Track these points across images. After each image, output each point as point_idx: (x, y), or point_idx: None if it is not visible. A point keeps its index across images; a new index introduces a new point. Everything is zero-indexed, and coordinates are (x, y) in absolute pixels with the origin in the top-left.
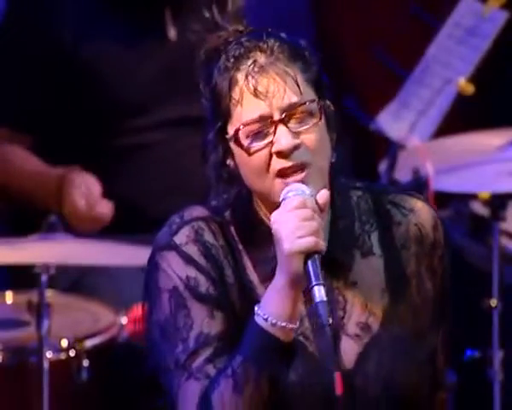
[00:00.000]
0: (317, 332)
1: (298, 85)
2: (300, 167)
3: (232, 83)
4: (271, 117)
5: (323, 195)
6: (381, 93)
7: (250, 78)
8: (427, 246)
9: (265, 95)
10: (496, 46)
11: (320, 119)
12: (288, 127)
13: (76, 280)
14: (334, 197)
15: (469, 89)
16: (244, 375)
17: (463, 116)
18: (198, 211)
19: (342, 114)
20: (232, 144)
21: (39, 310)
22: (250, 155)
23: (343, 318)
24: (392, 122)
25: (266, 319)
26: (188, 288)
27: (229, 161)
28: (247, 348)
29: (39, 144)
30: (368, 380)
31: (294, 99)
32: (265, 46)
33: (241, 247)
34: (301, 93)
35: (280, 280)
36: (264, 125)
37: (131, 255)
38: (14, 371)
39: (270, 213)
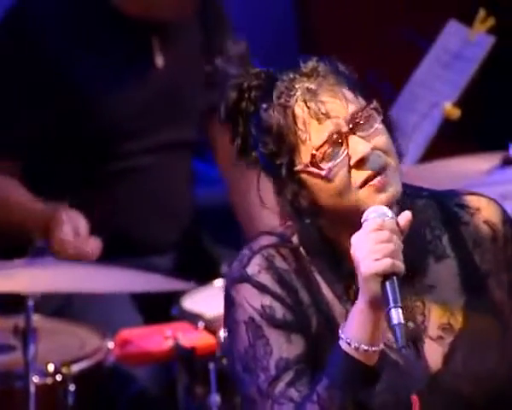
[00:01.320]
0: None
1: (353, 95)
2: (380, 172)
3: (294, 117)
4: (340, 132)
5: (405, 216)
6: None
7: (308, 106)
8: (500, 241)
9: (328, 116)
10: (482, 70)
11: (381, 119)
12: (358, 135)
13: (62, 305)
14: (401, 206)
15: (455, 113)
16: (329, 400)
17: (450, 140)
18: (265, 239)
19: None
20: (306, 175)
21: (25, 335)
22: (329, 178)
23: (423, 322)
24: None
25: (349, 343)
26: (264, 317)
27: (300, 196)
28: (332, 372)
29: (28, 170)
30: (458, 379)
31: (353, 108)
32: (307, 70)
33: (313, 268)
34: (358, 100)
35: (360, 303)
36: (335, 143)
37: (119, 281)
38: (0, 396)
39: (347, 232)
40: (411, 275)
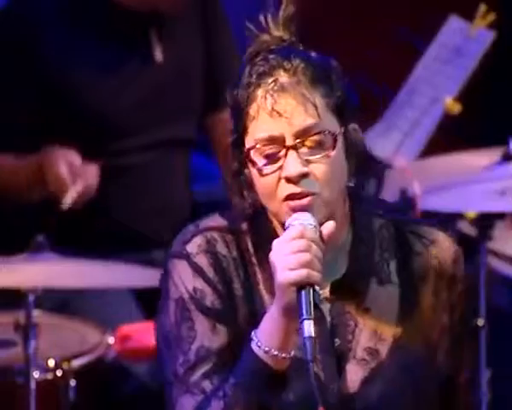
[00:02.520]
0: (323, 353)
1: (316, 111)
2: (306, 195)
3: (251, 98)
4: (284, 141)
5: (328, 226)
6: (368, 114)
7: (268, 96)
8: (446, 280)
9: (280, 116)
10: (482, 65)
11: (333, 149)
12: (298, 154)
13: (63, 300)
14: (355, 222)
15: (456, 108)
16: (234, 398)
17: (450, 135)
18: (214, 221)
19: None
20: (247, 159)
21: (26, 330)
22: (261, 175)
23: (351, 341)
24: (378, 142)
25: (259, 346)
26: (193, 300)
27: (246, 171)
28: (240, 372)
29: None
30: (369, 407)
31: (309, 123)
32: (289, 66)
33: (254, 260)
34: (319, 118)
35: (274, 310)
36: (277, 147)
37: (119, 276)
38: (1, 392)
39: (282, 229)
40: (350, 292)
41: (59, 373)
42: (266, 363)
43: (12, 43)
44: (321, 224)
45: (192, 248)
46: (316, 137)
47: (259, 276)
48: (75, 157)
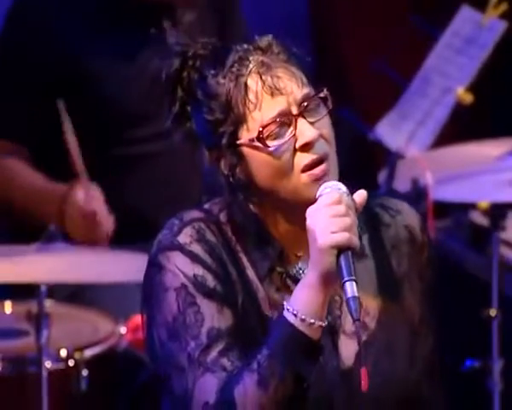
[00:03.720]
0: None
1: (304, 79)
2: (322, 160)
3: (246, 88)
4: (290, 112)
5: (362, 194)
6: (380, 103)
7: (263, 79)
8: (417, 247)
9: (281, 91)
10: (495, 55)
11: (327, 109)
12: (306, 120)
13: (75, 290)
14: None
15: (468, 98)
16: (269, 369)
17: (462, 125)
18: (195, 213)
19: (340, 124)
20: (249, 149)
21: (38, 320)
22: (276, 155)
23: (340, 316)
24: (390, 132)
25: (295, 315)
26: (196, 285)
27: (238, 169)
28: (274, 342)
29: (39, 156)
30: (368, 378)
31: (306, 91)
32: (262, 45)
33: (238, 247)
34: (309, 86)
35: (312, 277)
36: (283, 122)
37: (131, 268)
38: (13, 381)
39: (278, 214)
40: None
41: (71, 363)
42: (303, 332)
43: (26, 33)
44: None
45: (184, 238)
46: (314, 101)
47: (245, 262)
48: (96, 193)
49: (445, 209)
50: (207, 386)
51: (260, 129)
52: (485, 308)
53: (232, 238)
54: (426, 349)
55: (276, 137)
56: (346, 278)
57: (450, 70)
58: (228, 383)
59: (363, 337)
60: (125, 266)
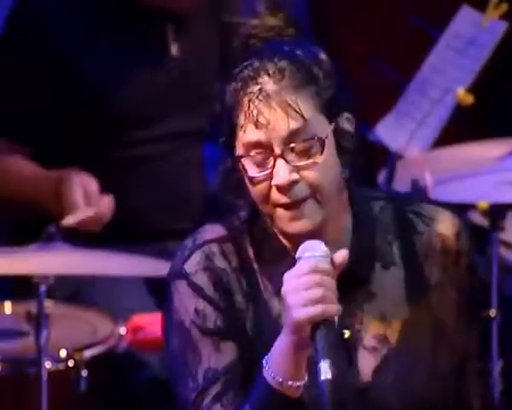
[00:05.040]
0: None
1: (302, 116)
2: (296, 204)
3: (237, 106)
4: (271, 148)
5: (341, 255)
6: (380, 104)
7: (253, 107)
8: (451, 256)
9: (266, 126)
10: (495, 56)
11: (321, 154)
12: (287, 161)
13: (75, 290)
14: (354, 210)
15: (469, 99)
16: None
17: (462, 126)
18: (212, 232)
19: None
20: (238, 166)
21: (38, 320)
22: (252, 183)
23: (360, 330)
24: (390, 132)
25: (273, 377)
26: (194, 323)
27: (236, 173)
28: (255, 401)
29: (38, 156)
30: (385, 393)
31: (295, 128)
32: (274, 69)
33: (255, 266)
34: (305, 122)
35: (285, 342)
36: (266, 155)
37: (130, 265)
38: (12, 382)
39: (280, 232)
40: (354, 281)
41: (71, 363)
42: (281, 392)
43: (27, 36)
44: (312, 229)
45: (190, 267)
46: (303, 144)
47: (262, 281)
48: (92, 184)
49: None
50: None
51: (243, 151)
52: (484, 309)
53: (250, 254)
54: (455, 365)
55: (259, 164)
56: (320, 358)
57: (450, 70)
58: None
59: (383, 352)
60: (126, 265)
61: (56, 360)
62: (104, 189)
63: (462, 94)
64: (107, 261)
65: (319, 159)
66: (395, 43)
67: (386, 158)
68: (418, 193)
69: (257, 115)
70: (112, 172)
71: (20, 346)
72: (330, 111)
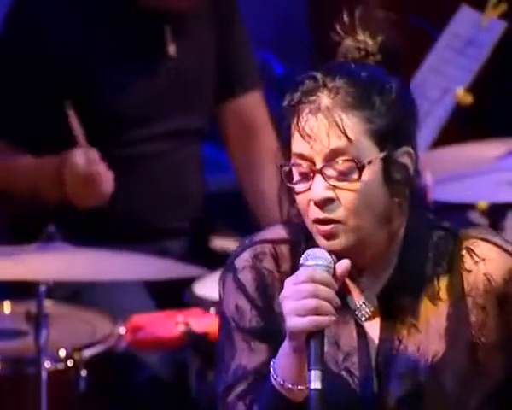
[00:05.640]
0: (362, 369)
1: (347, 136)
2: (329, 221)
3: (292, 115)
4: (314, 162)
5: (343, 265)
6: None
7: (302, 117)
8: (497, 298)
9: (311, 138)
10: (494, 56)
11: (359, 179)
12: (325, 177)
13: (74, 290)
14: (408, 235)
15: (468, 99)
16: None
17: (462, 126)
18: (272, 232)
19: None
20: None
21: (37, 320)
22: (295, 193)
23: (394, 358)
24: None
25: (276, 379)
26: (233, 318)
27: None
28: (262, 402)
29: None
30: None
31: (337, 147)
32: (332, 85)
33: None
34: (350, 144)
35: (286, 347)
36: (308, 167)
37: (131, 268)
38: (11, 382)
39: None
40: (396, 307)
41: (70, 363)
42: (283, 395)
43: (25, 37)
44: (346, 249)
45: (239, 262)
46: (344, 164)
47: None
48: (94, 153)
49: (444, 210)
50: None
51: (290, 160)
52: None
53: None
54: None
55: (303, 176)
56: (311, 367)
57: (449, 70)
58: None
59: (411, 383)
60: (125, 265)
61: (56, 359)
62: None
63: (462, 94)
64: (108, 264)
65: (357, 183)
66: (396, 41)
67: None
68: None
69: (303, 126)
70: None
71: (19, 346)
72: (384, 140)
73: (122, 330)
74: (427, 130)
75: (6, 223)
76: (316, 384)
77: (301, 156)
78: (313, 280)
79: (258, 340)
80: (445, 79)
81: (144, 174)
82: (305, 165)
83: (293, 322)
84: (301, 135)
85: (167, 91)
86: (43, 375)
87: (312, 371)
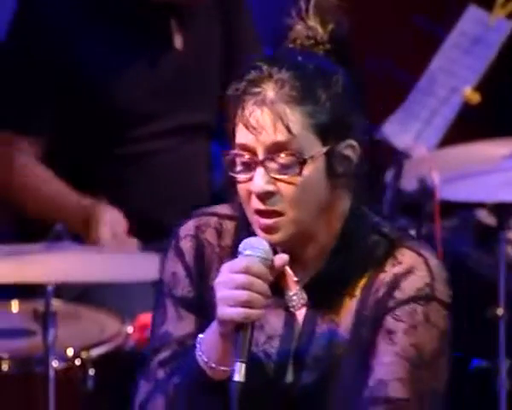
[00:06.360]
0: (281, 355)
1: (290, 130)
2: (270, 213)
3: (237, 105)
4: (256, 154)
5: (280, 259)
6: (387, 102)
7: (247, 108)
8: (396, 299)
9: (255, 130)
10: (502, 55)
11: (300, 173)
12: (267, 170)
13: (82, 289)
14: (343, 236)
15: (475, 98)
16: (175, 399)
17: (469, 125)
18: (222, 208)
19: None
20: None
21: (45, 319)
22: (237, 181)
23: (309, 347)
24: (397, 131)
25: (200, 355)
26: (169, 284)
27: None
28: (184, 373)
29: (44, 150)
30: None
31: (279, 140)
32: (278, 77)
33: None
34: (293, 137)
35: (214, 328)
36: (251, 158)
37: (138, 266)
38: (20, 381)
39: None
40: (318, 302)
41: (78, 362)
42: (206, 372)
43: (30, 33)
44: (285, 242)
45: (183, 231)
46: (286, 157)
47: None
48: (122, 224)
49: (451, 209)
50: (139, 391)
51: (234, 148)
52: (491, 308)
53: (242, 240)
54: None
55: (245, 166)
56: (236, 358)
57: (457, 70)
58: (147, 398)
59: (324, 371)
60: (132, 265)
61: (63, 358)
62: (109, 185)
63: (469, 93)
64: (116, 264)
65: (298, 177)
66: (403, 42)
67: (394, 157)
68: (423, 191)
69: (248, 117)
70: (116, 169)
71: (27, 345)
72: (327, 134)
73: (130, 329)
74: (434, 128)
75: (13, 222)
76: (239, 377)
77: (244, 147)
78: (248, 272)
79: (187, 309)
80: (452, 78)
81: (150, 170)
82: (247, 156)
83: (223, 310)
84: (245, 126)
85: (173, 85)
86: (51, 374)
87: (237, 364)
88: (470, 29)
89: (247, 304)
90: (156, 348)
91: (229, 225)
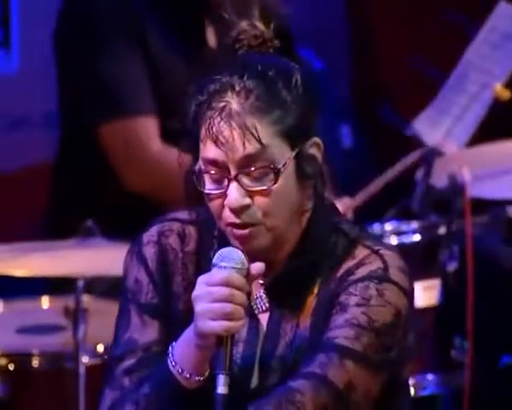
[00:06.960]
0: (246, 359)
1: (260, 141)
2: (245, 226)
3: (200, 120)
4: (228, 169)
5: (257, 267)
6: (418, 99)
7: (213, 123)
8: (349, 280)
9: (224, 145)
10: None
11: (275, 183)
12: (240, 184)
13: (113, 285)
14: (306, 235)
15: (506, 94)
16: (146, 408)
17: (500, 122)
18: (184, 213)
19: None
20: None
21: (76, 315)
22: (208, 198)
23: (274, 349)
24: (428, 128)
25: (173, 365)
26: (132, 290)
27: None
28: (155, 383)
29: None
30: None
31: (250, 153)
32: (241, 87)
33: (211, 254)
34: (263, 148)
35: (191, 338)
36: (222, 174)
37: None
38: (50, 377)
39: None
40: (280, 301)
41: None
42: (179, 382)
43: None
44: (262, 249)
45: (145, 237)
46: (259, 170)
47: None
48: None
49: (482, 206)
50: (104, 400)
51: (202, 165)
52: None
53: (214, 244)
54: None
55: (216, 181)
56: (219, 371)
57: (487, 66)
58: (114, 405)
59: (284, 373)
60: None
61: (94, 354)
62: (118, 180)
63: (500, 89)
64: None
65: (273, 187)
66: (433, 38)
67: (424, 154)
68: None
69: (216, 133)
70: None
71: (57, 341)
72: (295, 137)
73: None
74: (465, 125)
75: (44, 218)
76: (223, 390)
77: (214, 163)
78: (229, 284)
79: (151, 316)
80: (483, 74)
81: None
82: (217, 171)
83: (204, 324)
84: (214, 143)
85: None
86: (81, 370)
87: (220, 376)
88: (501, 25)
89: (229, 316)
90: (120, 356)
91: (191, 231)
